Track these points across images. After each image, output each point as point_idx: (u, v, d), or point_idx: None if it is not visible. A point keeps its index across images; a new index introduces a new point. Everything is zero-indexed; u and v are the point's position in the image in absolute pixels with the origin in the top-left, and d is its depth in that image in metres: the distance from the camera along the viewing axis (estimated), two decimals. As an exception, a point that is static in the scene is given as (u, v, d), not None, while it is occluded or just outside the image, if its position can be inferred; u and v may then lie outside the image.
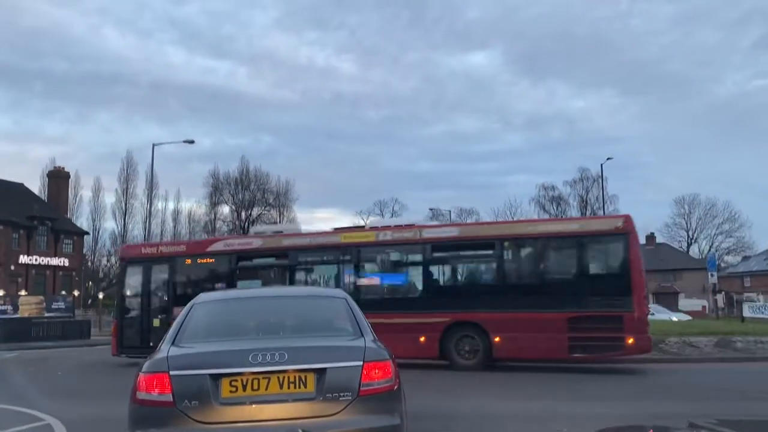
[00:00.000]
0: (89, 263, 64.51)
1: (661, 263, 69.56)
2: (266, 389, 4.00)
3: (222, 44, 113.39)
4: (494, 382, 12.12)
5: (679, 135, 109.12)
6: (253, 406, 3.98)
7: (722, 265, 74.02)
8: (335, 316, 5.01)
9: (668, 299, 66.43)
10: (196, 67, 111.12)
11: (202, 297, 5.37)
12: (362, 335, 4.58)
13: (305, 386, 4.04)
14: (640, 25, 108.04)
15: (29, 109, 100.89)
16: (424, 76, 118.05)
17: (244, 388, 3.99)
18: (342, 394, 4.04)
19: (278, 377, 4.02)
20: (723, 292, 60.45)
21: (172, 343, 4.44)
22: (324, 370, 4.06)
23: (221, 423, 3.92)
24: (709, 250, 77.34)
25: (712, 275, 48.07)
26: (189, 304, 5.10)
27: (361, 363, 4.14)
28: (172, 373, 4.00)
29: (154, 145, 35.22)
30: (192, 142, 36.20)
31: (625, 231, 12.93)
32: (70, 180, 61.44)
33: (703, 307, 59.65)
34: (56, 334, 29.28)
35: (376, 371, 4.16)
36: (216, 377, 3.99)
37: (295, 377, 4.04)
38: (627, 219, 13.22)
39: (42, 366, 16.38)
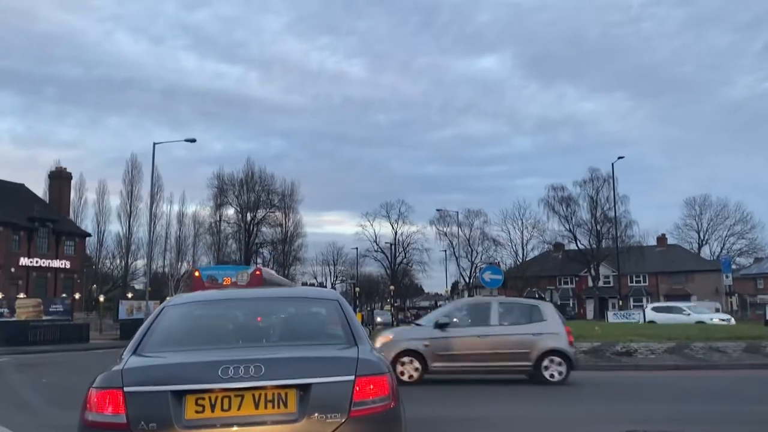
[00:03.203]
0: (93, 266, 63.84)
1: (673, 265, 68.30)
2: (239, 409, 3.34)
3: (234, 49, 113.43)
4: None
5: (689, 138, 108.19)
6: (224, 429, 3.31)
7: (734, 266, 72.59)
8: (326, 321, 4.37)
9: (680, 302, 65.08)
10: (208, 72, 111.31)
11: (177, 298, 4.78)
12: (356, 344, 3.92)
13: (285, 406, 3.38)
14: (651, 29, 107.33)
15: (42, 114, 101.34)
16: (434, 80, 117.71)
17: (213, 407, 3.34)
18: (330, 416, 3.38)
19: (253, 395, 3.36)
20: (736, 295, 59.22)
21: (134, 352, 3.82)
22: (308, 386, 3.40)
23: None
24: (721, 251, 76.18)
25: (727, 277, 47.04)
26: (161, 306, 4.46)
27: (352, 377, 3.47)
28: (126, 389, 3.35)
29: (155, 144, 34.54)
30: (193, 140, 35.34)
31: None
32: (78, 183, 61.22)
33: (717, 309, 58.42)
34: (54, 337, 28.59)
35: (371, 387, 3.49)
36: (179, 394, 3.32)
37: (273, 395, 3.38)
38: None
39: (30, 372, 15.58)
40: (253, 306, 4.72)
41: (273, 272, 36.60)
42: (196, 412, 3.33)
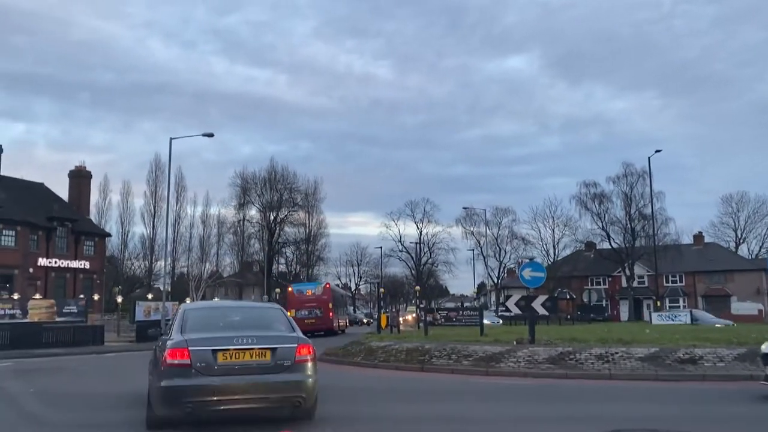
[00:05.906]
0: (117, 267, 63.05)
1: (710, 264, 65.22)
2: (243, 358, 7.26)
3: (263, 53, 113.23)
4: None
5: (721, 135, 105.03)
6: (236, 366, 7.23)
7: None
8: (276, 319, 8.43)
9: (719, 302, 61.92)
10: (238, 76, 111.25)
11: (188, 305, 9.35)
12: (294, 330, 8.04)
13: (265, 357, 7.36)
14: (682, 26, 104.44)
15: (76, 119, 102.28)
16: (461, 81, 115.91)
17: (231, 357, 7.22)
18: (285, 362, 7.40)
19: (250, 352, 7.30)
20: (778, 295, 56.38)
21: (180, 332, 7.54)
22: (276, 348, 7.45)
23: (217, 375, 7.10)
24: (760, 250, 73.17)
25: (773, 276, 44.38)
26: (181, 309, 8.47)
27: (296, 345, 7.57)
28: (190, 348, 7.14)
29: (171, 139, 33.27)
30: (211, 135, 33.96)
31: None
32: (102, 184, 61.07)
33: (759, 310, 55.67)
34: (67, 339, 27.43)
35: (304, 350, 7.57)
36: (215, 351, 7.20)
37: (259, 352, 7.35)
38: None
39: (25, 378, 14.25)
40: (236, 311, 9.11)
41: (337, 287, 54.62)
42: (223, 359, 7.17)
